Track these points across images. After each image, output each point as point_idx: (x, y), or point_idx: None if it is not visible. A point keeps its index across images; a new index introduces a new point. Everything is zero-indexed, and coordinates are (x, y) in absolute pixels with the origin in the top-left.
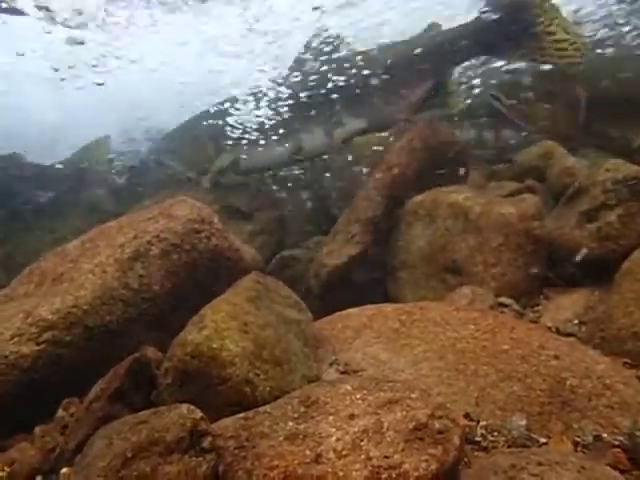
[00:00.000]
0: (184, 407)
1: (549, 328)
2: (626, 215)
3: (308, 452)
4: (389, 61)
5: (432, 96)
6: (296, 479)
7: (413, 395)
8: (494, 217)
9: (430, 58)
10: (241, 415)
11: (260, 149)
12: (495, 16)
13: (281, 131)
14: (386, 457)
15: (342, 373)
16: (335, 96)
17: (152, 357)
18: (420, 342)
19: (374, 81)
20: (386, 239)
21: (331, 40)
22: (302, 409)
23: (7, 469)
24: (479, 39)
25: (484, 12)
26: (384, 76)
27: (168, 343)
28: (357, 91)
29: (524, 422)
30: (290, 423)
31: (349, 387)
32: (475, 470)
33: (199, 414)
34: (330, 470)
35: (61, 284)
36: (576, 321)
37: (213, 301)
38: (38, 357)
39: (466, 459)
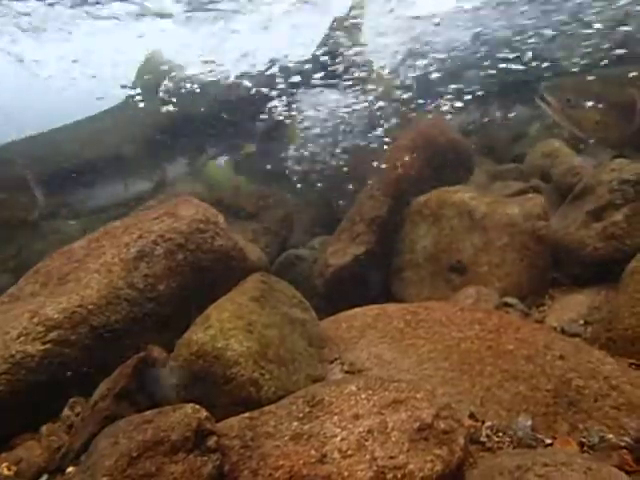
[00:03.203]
0: (189, 407)
1: (554, 328)
2: (632, 215)
3: (313, 452)
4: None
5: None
6: (301, 479)
7: (418, 395)
8: (499, 217)
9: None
10: (246, 415)
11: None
12: None
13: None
14: (391, 457)
15: (347, 373)
16: None
17: (157, 357)
18: (425, 342)
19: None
20: (391, 239)
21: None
22: (307, 409)
23: (14, 467)
24: None
25: None
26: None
27: (173, 343)
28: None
29: (529, 423)
30: (295, 423)
31: (354, 387)
32: (480, 471)
33: (204, 414)
34: (335, 470)
35: (67, 284)
36: (582, 321)
37: (218, 301)
38: (44, 356)
39: (471, 459)
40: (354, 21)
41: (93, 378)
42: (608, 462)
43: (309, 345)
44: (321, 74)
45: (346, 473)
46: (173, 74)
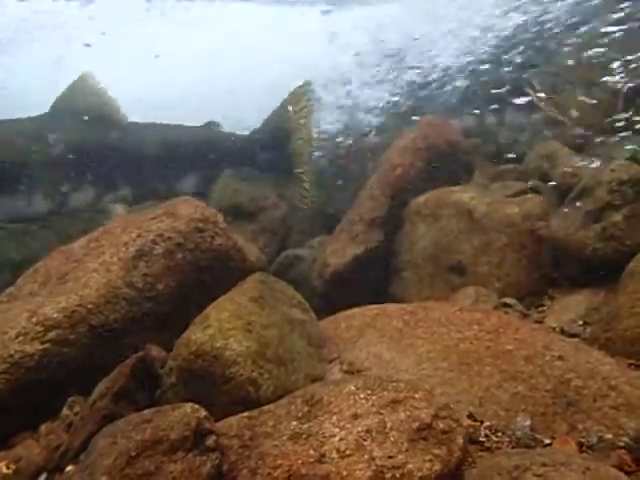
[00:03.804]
0: (188, 406)
1: (553, 329)
2: (631, 216)
3: (312, 452)
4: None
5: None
6: (300, 478)
7: (417, 395)
8: (499, 217)
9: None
10: (245, 414)
11: None
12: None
13: None
14: (390, 457)
15: (346, 373)
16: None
17: (156, 356)
18: (424, 342)
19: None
20: (390, 239)
21: None
22: (306, 409)
23: (13, 466)
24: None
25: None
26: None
27: (172, 342)
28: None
29: (528, 423)
30: (294, 422)
31: (353, 387)
32: (479, 470)
33: (203, 413)
34: (334, 470)
35: (66, 283)
36: (581, 322)
37: (217, 300)
38: (43, 356)
39: (470, 459)
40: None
41: (92, 377)
42: (607, 462)
43: (308, 345)
44: None
45: (345, 473)
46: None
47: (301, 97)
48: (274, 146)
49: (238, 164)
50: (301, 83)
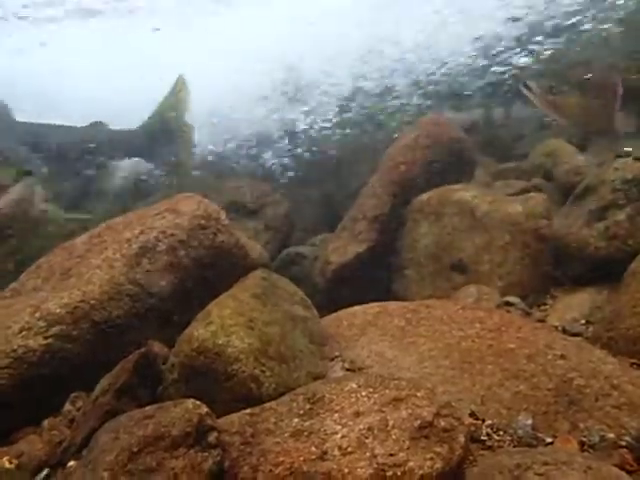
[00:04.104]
0: (190, 402)
1: (556, 327)
2: (635, 214)
3: (313, 449)
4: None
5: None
6: (301, 475)
7: (419, 393)
8: (501, 216)
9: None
10: (247, 411)
11: None
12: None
13: None
14: (391, 455)
15: (347, 370)
16: None
17: (158, 352)
18: (426, 340)
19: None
20: (392, 237)
21: None
22: (307, 406)
23: (15, 461)
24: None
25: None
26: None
27: (174, 338)
28: None
29: (530, 421)
30: (295, 420)
31: (354, 385)
32: (480, 469)
33: (205, 409)
34: (335, 467)
35: (69, 279)
36: (583, 321)
37: (219, 297)
38: (46, 351)
39: (471, 458)
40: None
41: (95, 373)
42: (608, 461)
43: (310, 342)
44: None
45: (346, 470)
46: None
47: (181, 87)
48: (159, 136)
49: (124, 156)
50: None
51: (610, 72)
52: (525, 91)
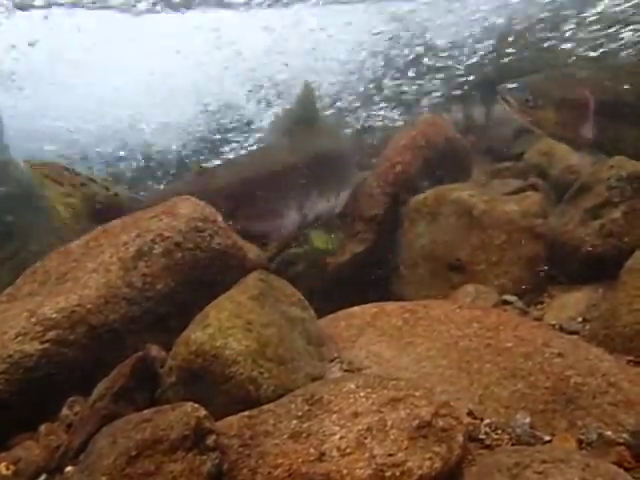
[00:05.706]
0: (188, 405)
1: (553, 326)
2: (630, 212)
3: (312, 450)
4: None
5: None
6: (300, 477)
7: (417, 393)
8: (497, 215)
9: None
10: (245, 413)
11: None
12: None
13: None
14: (390, 455)
15: (346, 371)
16: None
17: (156, 356)
18: (424, 340)
19: None
20: (389, 237)
21: None
22: (306, 407)
23: (12, 467)
24: None
25: None
26: None
27: (172, 342)
28: None
29: (528, 420)
30: (294, 421)
31: (353, 385)
32: (479, 468)
33: (203, 412)
34: (334, 468)
35: (65, 283)
36: (580, 319)
37: (217, 299)
38: (42, 356)
39: (470, 457)
40: None
41: (92, 377)
42: (606, 459)
43: (308, 343)
44: None
45: (345, 471)
46: None
47: None
48: None
49: None
50: None
51: (583, 86)
52: (503, 103)
